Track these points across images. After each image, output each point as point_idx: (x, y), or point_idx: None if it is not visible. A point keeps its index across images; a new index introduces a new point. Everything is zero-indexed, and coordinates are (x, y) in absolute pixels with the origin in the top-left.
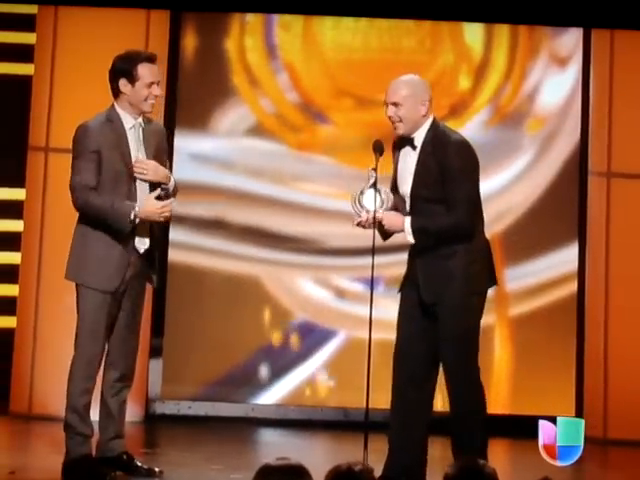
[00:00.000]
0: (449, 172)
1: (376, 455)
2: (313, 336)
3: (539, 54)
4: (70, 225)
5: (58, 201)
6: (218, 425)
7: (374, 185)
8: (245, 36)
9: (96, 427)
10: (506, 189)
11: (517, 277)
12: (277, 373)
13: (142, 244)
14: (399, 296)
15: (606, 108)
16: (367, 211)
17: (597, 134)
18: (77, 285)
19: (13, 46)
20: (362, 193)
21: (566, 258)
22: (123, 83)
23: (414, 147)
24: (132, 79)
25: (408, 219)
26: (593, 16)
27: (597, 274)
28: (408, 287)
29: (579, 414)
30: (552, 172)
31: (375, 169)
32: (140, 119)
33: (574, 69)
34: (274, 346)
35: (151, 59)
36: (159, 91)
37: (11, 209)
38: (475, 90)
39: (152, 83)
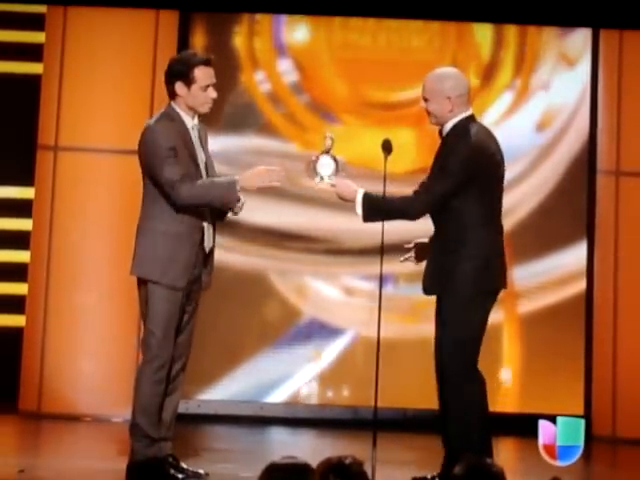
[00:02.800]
0: (439, 162)
1: (385, 453)
2: (322, 334)
3: (548, 54)
4: (79, 223)
5: (67, 200)
6: (227, 424)
7: (328, 152)
8: (254, 36)
9: None
10: (515, 188)
11: (526, 275)
12: (286, 371)
13: (209, 243)
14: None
15: (615, 107)
16: (321, 177)
17: (606, 133)
18: (145, 285)
19: (22, 45)
20: (317, 159)
21: (575, 256)
22: (179, 86)
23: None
24: (188, 82)
25: (361, 191)
26: (601, 16)
27: (606, 272)
28: None
29: (588, 413)
30: (561, 171)
31: (332, 137)
32: (196, 119)
33: (583, 69)
34: (283, 344)
35: (207, 62)
36: (215, 94)
37: (20, 208)
38: (483, 89)
39: (208, 86)
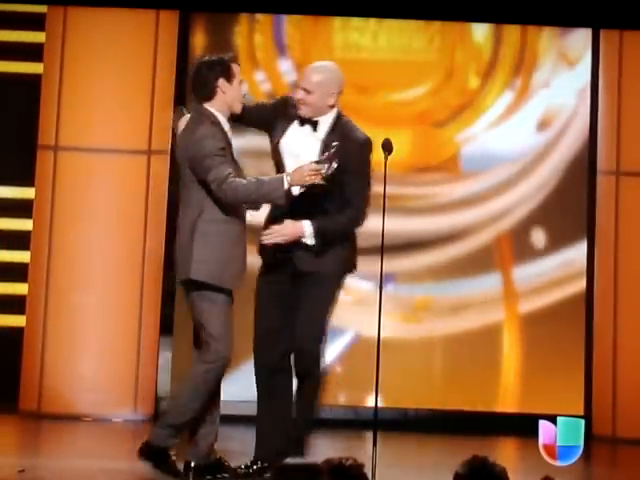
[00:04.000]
0: (350, 167)
1: (386, 453)
2: None
3: (548, 54)
4: (79, 223)
5: (67, 200)
6: (228, 424)
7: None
8: (254, 36)
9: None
10: (515, 188)
11: (526, 275)
12: None
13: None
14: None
15: (615, 107)
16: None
17: (606, 133)
18: (200, 288)
19: (23, 45)
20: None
21: (575, 256)
22: (222, 82)
23: (315, 129)
24: (229, 77)
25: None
26: (601, 16)
27: (606, 272)
28: None
29: (588, 413)
30: (561, 171)
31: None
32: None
33: (583, 69)
34: None
35: (237, 59)
36: (246, 88)
37: (20, 208)
38: (484, 89)
39: (241, 81)
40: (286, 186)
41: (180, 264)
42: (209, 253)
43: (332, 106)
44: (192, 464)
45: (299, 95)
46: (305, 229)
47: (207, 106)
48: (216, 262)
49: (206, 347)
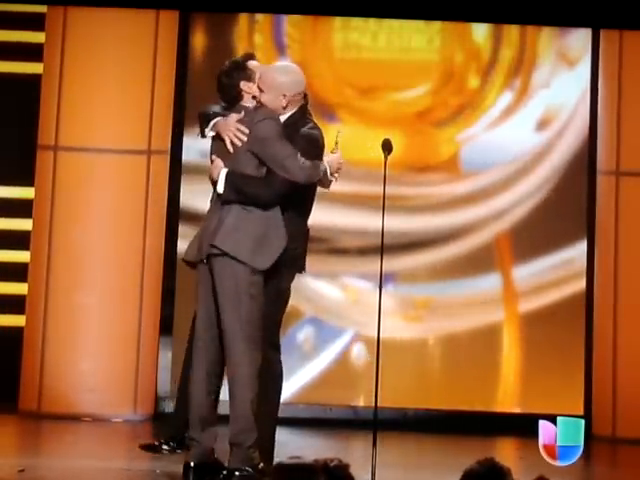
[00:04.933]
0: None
1: (386, 453)
2: (322, 334)
3: (548, 54)
4: (79, 223)
5: (67, 199)
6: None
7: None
8: (254, 35)
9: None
10: (514, 187)
11: (526, 275)
12: (286, 371)
13: None
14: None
15: (615, 107)
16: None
17: (606, 133)
18: (236, 270)
19: (22, 45)
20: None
21: (575, 256)
22: (244, 84)
23: None
24: (250, 77)
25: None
26: (601, 17)
27: (606, 272)
28: None
29: (588, 412)
30: (561, 170)
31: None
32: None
33: (583, 69)
34: (282, 344)
35: (252, 56)
36: None
37: (20, 208)
38: (483, 89)
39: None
40: (328, 172)
41: (206, 238)
42: (239, 225)
43: (285, 108)
44: (192, 464)
45: (256, 93)
46: (221, 173)
47: (243, 104)
48: (247, 238)
49: (242, 341)
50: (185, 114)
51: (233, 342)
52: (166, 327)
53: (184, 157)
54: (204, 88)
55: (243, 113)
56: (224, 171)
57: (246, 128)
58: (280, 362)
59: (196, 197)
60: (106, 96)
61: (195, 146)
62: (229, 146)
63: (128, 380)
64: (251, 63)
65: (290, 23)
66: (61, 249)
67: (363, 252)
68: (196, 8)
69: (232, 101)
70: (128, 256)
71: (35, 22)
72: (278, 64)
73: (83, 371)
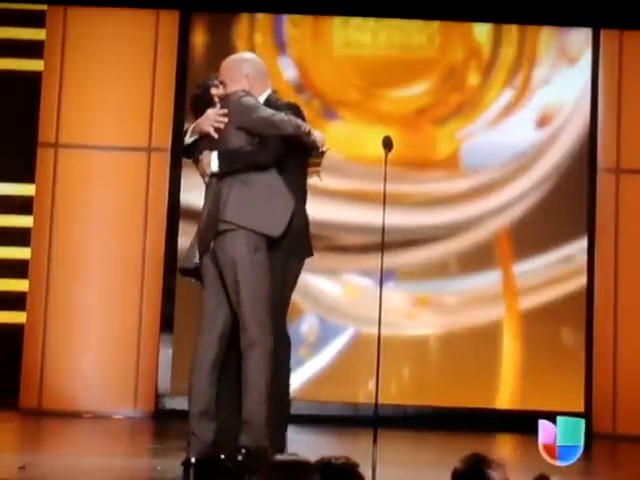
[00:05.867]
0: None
1: (386, 449)
2: (322, 332)
3: (548, 51)
4: (79, 220)
5: (67, 197)
6: None
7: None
8: (254, 34)
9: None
10: (515, 185)
11: (526, 272)
12: None
13: None
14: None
15: (615, 105)
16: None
17: (606, 131)
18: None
19: (23, 42)
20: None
21: (575, 253)
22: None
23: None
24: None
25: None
26: (601, 16)
27: (606, 269)
28: None
29: (588, 410)
30: (561, 168)
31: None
32: None
33: (583, 67)
34: None
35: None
36: None
37: (21, 205)
38: (484, 87)
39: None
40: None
41: (209, 219)
42: (242, 197)
43: (251, 89)
44: (192, 460)
45: (219, 91)
46: (212, 155)
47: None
48: (254, 207)
49: (257, 324)
50: (185, 112)
51: (248, 323)
52: (166, 324)
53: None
54: None
55: (218, 105)
56: (215, 152)
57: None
58: (285, 349)
59: (196, 194)
60: (107, 94)
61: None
62: (213, 133)
63: (128, 377)
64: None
65: (290, 22)
66: (62, 246)
67: (364, 249)
68: (196, 8)
69: (206, 109)
70: (128, 252)
71: (35, 19)
72: (233, 55)
73: (84, 368)
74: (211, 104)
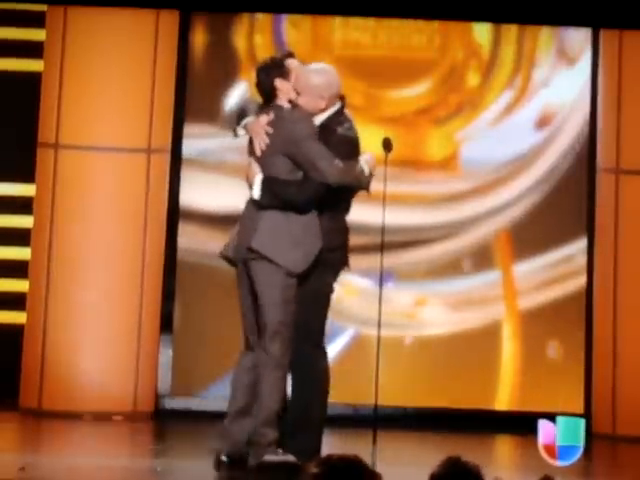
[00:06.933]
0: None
1: (385, 450)
2: None
3: (548, 52)
4: (79, 221)
5: (68, 197)
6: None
7: None
8: (254, 34)
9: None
10: (515, 185)
11: (526, 272)
12: None
13: None
14: None
15: (615, 106)
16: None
17: (606, 131)
18: (272, 272)
19: (23, 43)
20: None
21: (575, 253)
22: (279, 82)
23: None
24: (286, 75)
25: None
26: (601, 16)
27: (606, 270)
28: None
29: (588, 410)
30: (561, 168)
31: None
32: None
33: (583, 67)
34: None
35: (292, 54)
36: None
37: (21, 205)
38: (484, 87)
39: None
40: (367, 172)
41: (243, 241)
42: (276, 228)
43: (323, 110)
44: (223, 459)
45: (291, 94)
46: (257, 179)
47: (278, 102)
48: (283, 241)
49: (278, 336)
50: (185, 113)
51: (268, 343)
52: (166, 324)
53: (184, 155)
54: (204, 87)
55: (273, 114)
56: (259, 177)
57: (277, 130)
58: (322, 359)
59: (196, 195)
60: (107, 94)
61: (195, 144)
62: (257, 149)
63: (128, 377)
64: (290, 62)
65: (290, 22)
66: (62, 246)
67: (363, 249)
68: (196, 8)
69: (268, 98)
70: (128, 253)
71: (35, 19)
72: (313, 65)
73: (84, 368)
74: (272, 96)
